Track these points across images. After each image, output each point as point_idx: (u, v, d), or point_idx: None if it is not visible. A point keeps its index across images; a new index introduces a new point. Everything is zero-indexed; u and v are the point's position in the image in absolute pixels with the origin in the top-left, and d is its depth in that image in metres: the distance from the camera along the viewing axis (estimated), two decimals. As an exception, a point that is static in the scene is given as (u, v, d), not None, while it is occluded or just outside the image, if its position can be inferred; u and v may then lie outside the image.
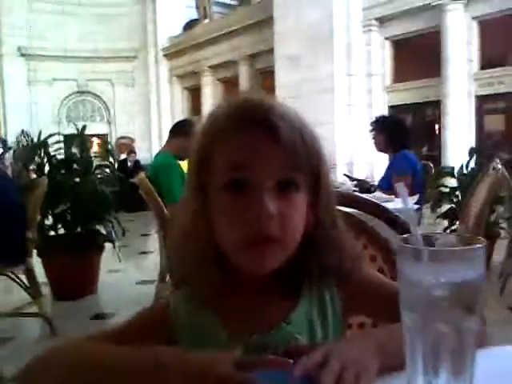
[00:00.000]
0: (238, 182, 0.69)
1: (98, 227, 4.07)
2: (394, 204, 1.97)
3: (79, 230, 3.98)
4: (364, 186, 3.87)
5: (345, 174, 4.60)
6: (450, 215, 5.01)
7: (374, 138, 4.05)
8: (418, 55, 12.71)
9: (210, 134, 0.72)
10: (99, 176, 4.27)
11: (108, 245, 4.18)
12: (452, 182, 5.12)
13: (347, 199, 1.15)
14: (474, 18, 11.74)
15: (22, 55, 19.37)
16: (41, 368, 0.67)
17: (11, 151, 13.28)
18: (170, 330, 0.75)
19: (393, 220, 1.12)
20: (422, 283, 0.51)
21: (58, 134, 4.48)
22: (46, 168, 4.14)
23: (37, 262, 3.53)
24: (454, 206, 5.00)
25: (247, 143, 0.69)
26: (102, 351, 0.67)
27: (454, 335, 0.51)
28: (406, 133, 4.12)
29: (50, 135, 4.37)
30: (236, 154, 0.69)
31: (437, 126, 13.04)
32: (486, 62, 11.93)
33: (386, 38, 13.28)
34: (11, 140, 16.69)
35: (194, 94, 18.78)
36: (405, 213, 0.62)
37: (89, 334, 0.75)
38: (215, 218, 0.71)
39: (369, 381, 0.57)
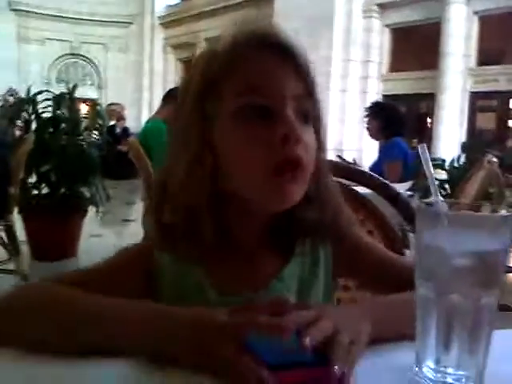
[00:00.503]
0: (257, 107, 0.64)
1: (82, 190, 4.00)
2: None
3: (63, 190, 3.90)
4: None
5: (338, 156, 4.57)
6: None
7: (367, 124, 4.01)
8: (417, 46, 12.68)
9: (219, 60, 0.66)
10: (87, 138, 4.19)
11: (91, 209, 4.12)
12: (442, 175, 5.13)
13: (348, 172, 1.11)
14: (475, 13, 11.71)
15: (13, 10, 18.82)
16: (15, 312, 0.62)
17: (-3, 107, 12.97)
18: (150, 278, 0.70)
19: (394, 197, 1.08)
20: (441, 250, 0.47)
21: (47, 91, 4.36)
22: (33, 126, 4.05)
23: (17, 220, 3.46)
24: (442, 198, 5.00)
25: (266, 65, 0.66)
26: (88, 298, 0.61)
27: (470, 309, 0.47)
28: (401, 121, 4.09)
29: (39, 92, 4.26)
30: (255, 77, 0.65)
31: (429, 119, 13.08)
32: (483, 59, 11.94)
33: (386, 26, 13.20)
34: (-3, 97, 16.31)
35: (188, 65, 18.52)
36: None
37: (58, 274, 0.69)
38: (227, 152, 0.65)
39: (361, 347, 0.54)
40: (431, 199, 0.51)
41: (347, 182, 1.10)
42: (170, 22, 18.91)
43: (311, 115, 0.68)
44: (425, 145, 0.53)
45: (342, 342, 0.51)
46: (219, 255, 0.69)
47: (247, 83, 0.65)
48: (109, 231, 5.50)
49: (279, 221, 0.70)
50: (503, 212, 0.48)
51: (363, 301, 0.66)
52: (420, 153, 0.53)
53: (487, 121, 12.83)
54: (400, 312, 0.61)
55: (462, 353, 0.48)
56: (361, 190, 1.10)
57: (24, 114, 4.11)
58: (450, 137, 11.56)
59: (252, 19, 0.72)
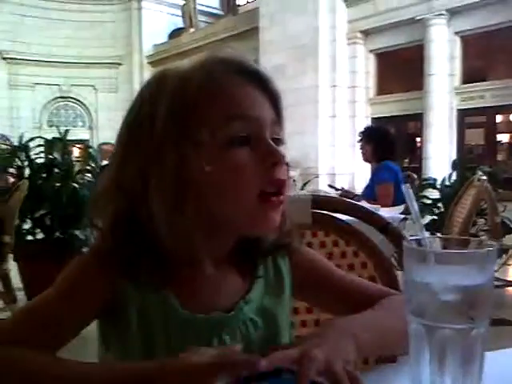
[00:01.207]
0: (242, 135, 0.64)
1: (76, 233, 3.98)
2: (380, 213, 1.95)
3: (57, 234, 3.88)
4: (348, 196, 3.86)
5: (329, 185, 4.60)
6: (432, 227, 5.04)
7: (361, 148, 4.06)
8: (402, 68, 12.91)
9: (196, 84, 0.64)
10: (81, 181, 4.19)
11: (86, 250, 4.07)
12: (434, 194, 5.16)
13: (338, 205, 1.13)
14: (456, 33, 11.98)
15: (4, 58, 19.13)
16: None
17: (-10, 155, 13.01)
18: (109, 308, 0.66)
19: (384, 226, 1.09)
20: (430, 287, 0.49)
21: (40, 137, 4.39)
22: (27, 172, 4.05)
23: (13, 267, 3.44)
24: (435, 217, 5.02)
25: (248, 92, 0.66)
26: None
27: (462, 342, 0.48)
28: (392, 143, 4.15)
29: (32, 138, 4.29)
30: (239, 107, 0.65)
31: (418, 139, 13.21)
32: (468, 77, 12.16)
33: (371, 51, 13.46)
34: (-10, 144, 16.38)
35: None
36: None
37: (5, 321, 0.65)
38: (212, 178, 0.63)
39: (354, 367, 0.55)
40: (418, 236, 0.52)
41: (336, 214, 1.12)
42: (157, 60, 19.20)
43: (282, 141, 0.70)
44: (408, 184, 0.55)
45: (338, 371, 0.52)
46: (185, 275, 0.68)
47: (231, 109, 0.65)
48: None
49: (242, 241, 0.71)
50: (489, 245, 0.50)
51: (338, 320, 0.66)
52: (404, 192, 0.54)
53: (476, 137, 12.97)
54: (378, 326, 0.65)
55: (457, 381, 0.49)
56: (350, 219, 1.11)
57: (17, 161, 4.12)
58: (439, 155, 11.66)
59: (219, 48, 0.72)
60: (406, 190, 0.54)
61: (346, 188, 4.24)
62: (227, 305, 0.69)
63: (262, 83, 0.68)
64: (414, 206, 0.54)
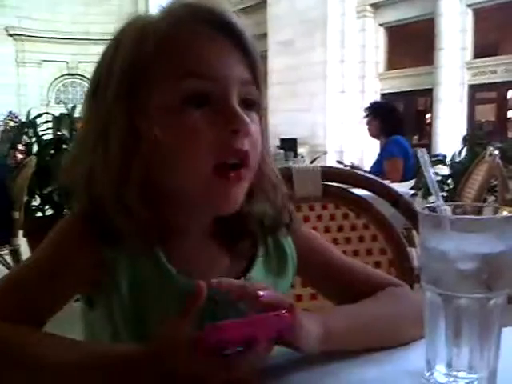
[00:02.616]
0: (199, 96, 0.56)
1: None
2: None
3: (66, 210, 3.90)
4: None
5: (337, 161, 4.59)
6: (442, 203, 5.00)
7: (367, 124, 4.04)
8: (412, 43, 12.68)
9: (152, 37, 0.57)
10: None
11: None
12: (444, 170, 5.11)
13: (349, 177, 1.11)
14: (468, 6, 11.70)
15: (10, 35, 19.02)
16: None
17: (-2, 131, 13.07)
18: (97, 272, 0.60)
19: (396, 199, 1.08)
20: (446, 255, 0.47)
21: (47, 113, 4.38)
22: (35, 148, 4.06)
23: (23, 243, 3.47)
24: (445, 194, 4.99)
25: (208, 45, 0.58)
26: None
27: (478, 312, 0.47)
28: (400, 119, 4.14)
29: (39, 114, 4.28)
30: (195, 58, 0.57)
31: (428, 115, 13.05)
32: (480, 51, 11.92)
33: (380, 25, 13.21)
34: (-2, 121, 16.46)
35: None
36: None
37: None
38: (163, 145, 0.57)
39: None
40: (433, 203, 0.51)
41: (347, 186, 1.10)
42: (164, 35, 19.04)
43: (256, 103, 0.61)
44: (424, 149, 0.53)
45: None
46: (173, 242, 0.62)
47: (186, 65, 0.57)
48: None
49: (226, 219, 0.63)
50: (505, 213, 0.48)
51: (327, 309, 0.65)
52: (419, 157, 0.52)
53: (487, 113, 12.79)
54: (362, 325, 0.62)
55: (473, 355, 0.48)
56: (361, 192, 1.09)
57: (25, 138, 4.12)
58: (449, 131, 11.52)
59: None
60: (422, 155, 0.52)
61: (355, 164, 4.21)
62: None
63: (232, 36, 0.59)
64: (430, 172, 0.52)
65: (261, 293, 0.52)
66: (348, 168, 4.01)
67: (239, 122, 0.56)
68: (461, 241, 0.46)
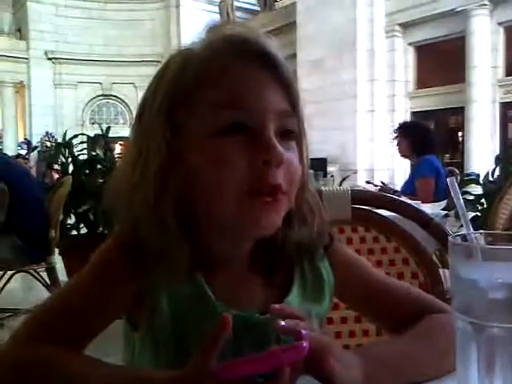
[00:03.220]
0: (236, 125, 0.57)
1: (119, 227, 4.07)
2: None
3: (101, 229, 3.98)
4: (387, 191, 3.81)
5: (367, 181, 4.55)
6: (475, 223, 4.90)
7: (397, 144, 4.01)
8: (442, 61, 12.57)
9: (194, 66, 0.59)
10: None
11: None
12: (477, 190, 5.01)
13: (378, 200, 1.11)
14: (499, 24, 11.57)
15: (49, 59, 19.75)
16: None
17: (35, 152, 13.49)
18: (138, 302, 0.62)
19: (426, 222, 1.07)
20: (477, 284, 0.47)
21: (82, 134, 4.51)
22: (70, 168, 4.17)
23: (58, 261, 3.55)
24: (478, 213, 4.88)
25: (247, 76, 0.59)
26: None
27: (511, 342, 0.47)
28: (430, 138, 4.07)
29: (75, 135, 4.41)
30: (235, 90, 0.58)
31: (460, 133, 12.85)
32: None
33: (410, 44, 13.16)
34: (35, 141, 16.98)
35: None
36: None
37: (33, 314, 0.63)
38: (199, 170, 0.58)
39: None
40: (464, 232, 0.51)
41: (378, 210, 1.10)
42: (195, 57, 19.36)
43: (295, 131, 0.62)
44: (453, 177, 0.54)
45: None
46: (215, 270, 0.64)
47: (223, 97, 0.58)
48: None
49: (264, 245, 0.65)
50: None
51: (359, 350, 0.64)
52: (449, 186, 0.53)
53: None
54: (402, 367, 0.61)
55: (508, 385, 0.48)
56: (391, 214, 1.09)
57: (61, 158, 4.25)
58: (482, 150, 11.31)
59: (231, 24, 0.66)
60: (452, 182, 0.52)
61: (385, 183, 4.18)
62: (259, 309, 0.64)
63: (270, 68, 0.60)
64: (460, 200, 0.52)
65: (282, 323, 0.53)
66: (379, 187, 3.99)
67: (272, 153, 0.57)
68: (492, 270, 0.47)
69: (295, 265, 0.69)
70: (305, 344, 0.48)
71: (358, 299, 0.74)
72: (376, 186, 4.07)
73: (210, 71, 0.59)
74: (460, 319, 0.49)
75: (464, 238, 0.51)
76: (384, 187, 3.93)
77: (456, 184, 0.53)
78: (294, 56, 13.91)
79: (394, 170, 12.01)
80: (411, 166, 4.12)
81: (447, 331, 0.61)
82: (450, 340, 0.53)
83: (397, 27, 12.98)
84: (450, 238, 0.49)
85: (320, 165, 7.58)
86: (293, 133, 0.62)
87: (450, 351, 0.54)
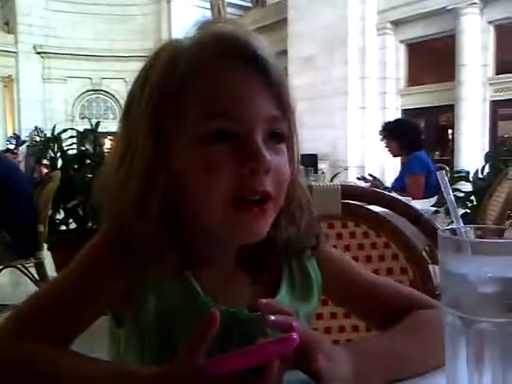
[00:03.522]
0: (223, 132, 0.56)
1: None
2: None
3: (90, 224, 3.96)
4: (378, 186, 3.84)
5: (358, 177, 4.55)
6: (465, 220, 4.92)
7: (386, 146, 4.00)
8: (433, 59, 12.63)
9: (181, 67, 0.57)
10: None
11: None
12: (467, 187, 5.05)
13: (369, 195, 1.11)
14: (489, 22, 11.63)
15: (38, 53, 19.56)
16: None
17: (24, 146, 13.38)
18: (126, 297, 0.61)
19: (417, 218, 1.07)
20: (466, 278, 0.47)
21: (72, 129, 4.48)
22: (59, 163, 4.14)
23: (47, 256, 3.53)
24: (468, 210, 4.91)
25: (233, 87, 0.57)
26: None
27: (501, 336, 0.47)
28: (417, 134, 4.06)
29: (64, 130, 4.38)
30: (219, 101, 0.56)
31: (450, 131, 12.93)
32: (502, 67, 11.80)
33: (401, 41, 13.20)
34: (24, 136, 16.83)
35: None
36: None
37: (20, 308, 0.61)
38: (186, 176, 0.57)
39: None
40: (454, 226, 0.51)
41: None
42: (186, 52, 19.29)
43: (285, 135, 0.61)
44: (444, 171, 0.53)
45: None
46: (202, 266, 0.63)
47: (209, 103, 0.56)
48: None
49: (251, 244, 0.63)
50: (527, 235, 0.48)
51: (348, 345, 0.64)
52: (439, 179, 0.53)
53: (510, 129, 12.61)
54: (391, 363, 0.61)
55: (495, 382, 0.47)
56: (381, 210, 1.09)
57: (50, 152, 4.21)
58: (472, 147, 11.39)
59: (222, 21, 0.62)
60: (442, 176, 0.52)
61: (376, 177, 4.17)
62: (247, 306, 0.64)
63: (259, 71, 0.57)
64: (450, 194, 0.52)
65: (272, 317, 0.53)
66: (370, 180, 3.99)
67: (260, 161, 0.55)
68: (482, 264, 0.46)
69: (283, 264, 0.68)
70: (294, 336, 0.47)
71: (346, 298, 0.75)
72: (367, 181, 4.07)
73: (197, 75, 0.57)
74: (449, 313, 0.49)
75: (454, 232, 0.51)
76: (375, 181, 3.93)
77: (446, 178, 0.53)
78: (285, 52, 13.89)
79: (385, 166, 12.05)
80: (401, 162, 4.12)
81: (434, 326, 0.61)
82: (437, 335, 0.53)
83: (388, 25, 13.01)
84: (439, 231, 0.49)
85: (311, 161, 7.58)
86: (282, 135, 0.60)
87: (437, 346, 0.54)
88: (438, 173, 0.52)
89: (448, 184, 0.52)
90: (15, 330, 0.59)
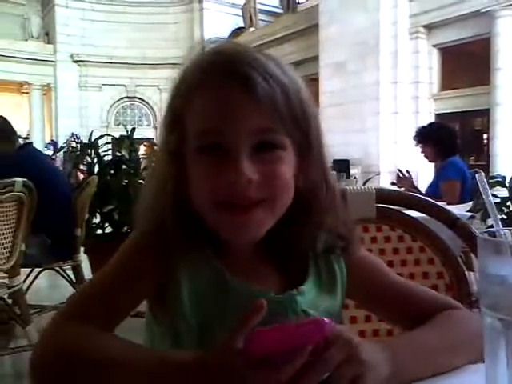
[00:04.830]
0: (211, 146, 0.62)
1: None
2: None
3: (125, 229, 4.04)
4: (408, 184, 3.81)
5: (392, 183, 4.50)
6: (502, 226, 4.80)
7: (422, 151, 3.94)
8: (467, 63, 12.39)
9: (180, 93, 0.66)
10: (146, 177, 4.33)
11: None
12: (502, 192, 4.93)
13: (404, 199, 1.11)
14: (527, 25, 11.34)
15: (75, 61, 20.12)
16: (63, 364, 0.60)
17: (62, 152, 13.74)
18: (162, 289, 0.66)
19: (453, 221, 1.06)
20: (506, 280, 0.47)
21: (108, 135, 4.58)
22: (96, 168, 4.24)
23: (84, 260, 3.61)
24: (504, 216, 4.80)
25: (218, 102, 0.62)
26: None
27: (541, 337, 0.47)
28: (453, 139, 3.97)
29: (101, 136, 4.48)
30: (205, 117, 0.63)
31: (485, 135, 12.64)
32: (540, 70, 11.48)
33: (434, 46, 12.99)
34: (62, 142, 17.29)
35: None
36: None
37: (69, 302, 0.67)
38: (191, 182, 0.65)
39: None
40: (492, 228, 0.51)
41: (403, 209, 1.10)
42: (218, 59, 19.45)
43: (283, 144, 0.64)
44: (482, 172, 0.54)
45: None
46: (231, 256, 0.69)
47: (199, 124, 0.63)
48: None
49: (277, 238, 0.68)
50: None
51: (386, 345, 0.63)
52: (478, 181, 0.53)
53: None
54: (424, 358, 0.61)
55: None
56: (416, 214, 1.08)
57: (87, 158, 4.32)
58: (508, 152, 11.10)
59: (219, 44, 0.68)
60: (481, 178, 0.52)
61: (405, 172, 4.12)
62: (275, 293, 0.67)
63: (245, 85, 0.61)
64: (489, 196, 0.52)
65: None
66: (403, 174, 3.95)
67: (238, 174, 0.60)
68: (521, 266, 0.47)
69: (310, 260, 0.72)
70: (326, 320, 0.49)
71: (371, 299, 0.76)
72: (402, 173, 4.02)
73: (193, 95, 0.64)
74: (488, 315, 0.49)
75: (493, 234, 0.51)
76: (405, 179, 3.89)
77: (485, 180, 0.53)
78: (316, 58, 13.87)
79: (418, 172, 11.87)
80: (436, 168, 4.05)
81: (468, 322, 0.66)
82: (473, 331, 0.53)
83: (421, 29, 12.83)
84: (479, 234, 0.49)
85: (343, 166, 7.53)
86: (276, 144, 0.64)
87: (474, 342, 0.55)
88: (477, 175, 0.52)
89: (487, 186, 0.52)
90: (70, 313, 0.65)
